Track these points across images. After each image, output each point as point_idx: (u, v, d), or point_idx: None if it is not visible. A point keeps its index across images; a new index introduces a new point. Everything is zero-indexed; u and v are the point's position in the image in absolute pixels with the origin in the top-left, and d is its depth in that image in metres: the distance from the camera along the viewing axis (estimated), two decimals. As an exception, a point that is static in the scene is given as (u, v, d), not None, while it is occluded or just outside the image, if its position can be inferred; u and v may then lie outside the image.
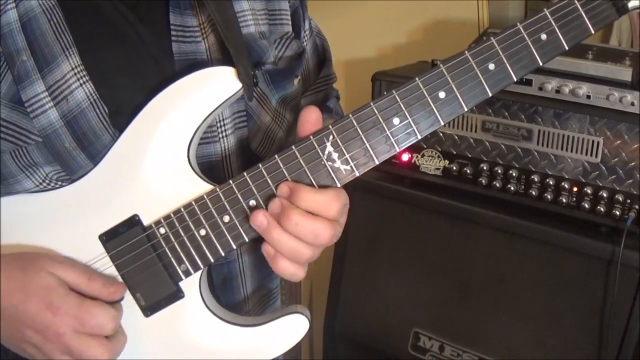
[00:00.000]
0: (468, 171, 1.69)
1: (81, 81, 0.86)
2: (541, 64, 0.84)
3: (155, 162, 0.88)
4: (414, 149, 1.76)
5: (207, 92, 0.87)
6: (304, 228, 0.83)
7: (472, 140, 1.68)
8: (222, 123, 0.95)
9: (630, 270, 1.47)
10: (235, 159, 0.97)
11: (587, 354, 1.54)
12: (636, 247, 1.48)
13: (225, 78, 0.88)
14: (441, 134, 1.71)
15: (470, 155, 1.69)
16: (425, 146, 1.75)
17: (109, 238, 0.89)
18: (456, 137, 1.70)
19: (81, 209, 0.89)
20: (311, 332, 2.69)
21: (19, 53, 0.84)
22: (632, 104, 1.48)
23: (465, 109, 0.85)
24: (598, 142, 1.51)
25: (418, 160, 1.76)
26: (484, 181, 1.67)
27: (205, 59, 0.93)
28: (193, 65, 0.90)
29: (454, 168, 1.70)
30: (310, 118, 0.85)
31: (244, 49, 0.93)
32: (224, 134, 0.95)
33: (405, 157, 1.78)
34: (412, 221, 1.78)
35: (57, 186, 0.89)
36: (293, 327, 0.90)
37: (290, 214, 0.83)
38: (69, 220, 0.90)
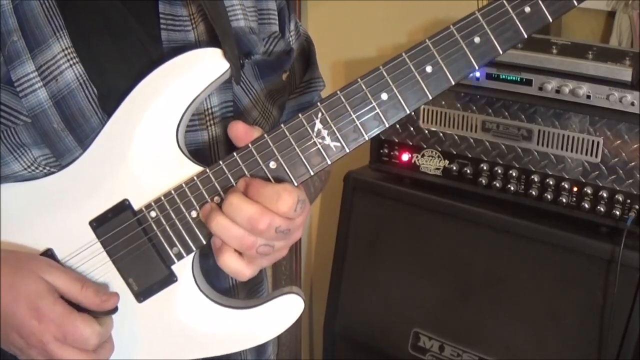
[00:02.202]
0: (468, 171, 1.69)
1: (71, 62, 0.86)
2: (526, 36, 0.85)
3: (144, 146, 0.88)
4: (414, 149, 1.76)
5: (195, 73, 0.87)
6: (238, 209, 0.82)
7: (472, 140, 1.68)
8: (210, 111, 0.95)
9: (630, 270, 1.47)
10: (222, 147, 0.96)
11: (587, 354, 1.54)
12: (636, 247, 1.48)
13: (212, 59, 0.87)
14: (441, 134, 1.71)
15: (470, 155, 1.69)
16: (425, 146, 1.75)
17: (99, 224, 0.88)
18: (456, 137, 1.70)
19: (71, 195, 0.89)
20: (311, 332, 2.70)
21: (10, 34, 0.85)
22: (632, 104, 1.48)
23: (453, 82, 0.85)
24: (598, 142, 1.51)
25: (418, 160, 1.76)
26: (484, 181, 1.67)
27: (193, 46, 0.92)
28: (181, 51, 0.90)
29: (454, 168, 1.71)
30: (237, 129, 0.86)
31: (231, 32, 0.93)
32: (211, 122, 0.95)
33: (405, 157, 1.78)
34: (412, 221, 1.78)
35: (45, 171, 0.89)
36: (288, 309, 0.89)
37: (228, 195, 0.83)
38: (59, 207, 0.89)
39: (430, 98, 0.86)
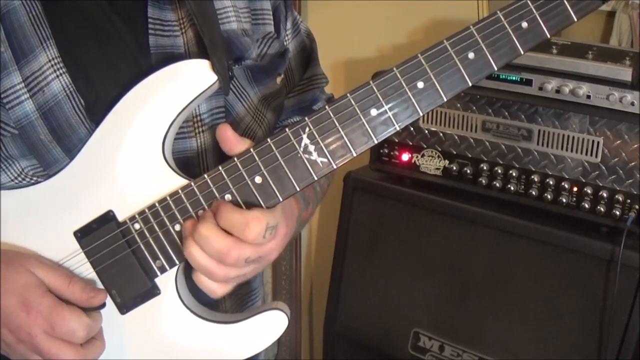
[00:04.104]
0: (468, 171, 1.69)
1: (58, 73, 0.86)
2: (522, 52, 0.83)
3: (130, 157, 0.88)
4: (414, 149, 1.76)
5: (182, 85, 0.87)
6: (206, 241, 0.81)
7: (472, 140, 1.68)
8: (198, 118, 0.94)
9: (630, 270, 1.47)
10: (211, 155, 0.96)
11: (587, 354, 1.54)
12: (636, 247, 1.48)
13: (200, 71, 0.86)
14: (441, 134, 1.71)
15: (470, 155, 1.69)
16: (425, 146, 1.75)
17: (83, 234, 0.88)
18: (456, 137, 1.70)
19: (56, 205, 0.89)
20: (311, 332, 2.70)
21: None
22: (632, 104, 1.48)
23: (445, 99, 0.83)
24: (598, 142, 1.51)
25: (418, 160, 1.76)
26: (484, 181, 1.67)
27: (182, 52, 0.92)
28: (170, 58, 0.89)
29: (454, 168, 1.70)
30: (226, 136, 0.85)
31: (220, 42, 0.92)
32: (200, 129, 0.94)
33: (405, 157, 1.78)
34: (412, 221, 1.78)
35: (32, 182, 0.88)
36: (271, 325, 0.89)
37: (200, 226, 0.82)
38: (44, 216, 0.89)
39: (421, 115, 0.84)
